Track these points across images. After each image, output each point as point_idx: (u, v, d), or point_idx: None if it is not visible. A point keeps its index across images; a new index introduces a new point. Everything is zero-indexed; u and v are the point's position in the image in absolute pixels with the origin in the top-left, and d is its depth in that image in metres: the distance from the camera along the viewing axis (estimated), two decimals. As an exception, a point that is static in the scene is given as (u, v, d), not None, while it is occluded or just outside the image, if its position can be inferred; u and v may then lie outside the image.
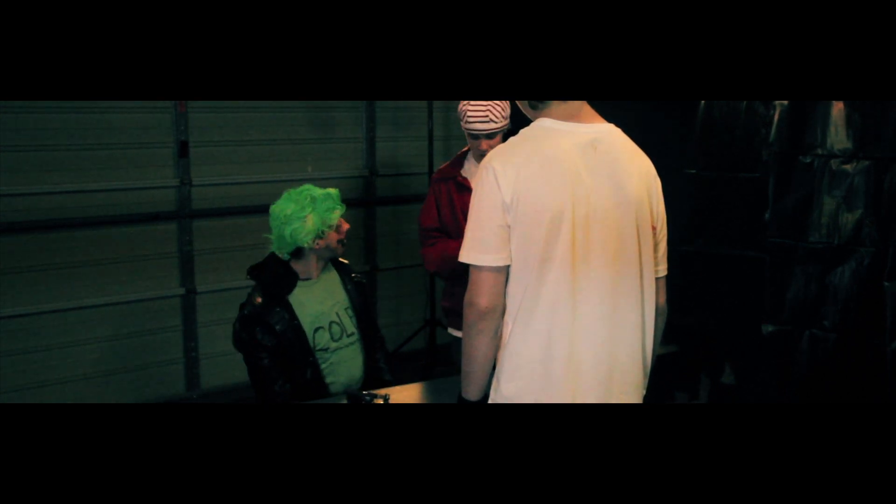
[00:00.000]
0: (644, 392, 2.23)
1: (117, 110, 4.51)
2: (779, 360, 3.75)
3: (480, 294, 2.10)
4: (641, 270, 2.15)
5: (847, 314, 3.55)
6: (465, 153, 3.56)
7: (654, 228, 2.20)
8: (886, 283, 3.36)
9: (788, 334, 3.71)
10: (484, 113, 3.23)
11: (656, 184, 2.24)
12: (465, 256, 2.12)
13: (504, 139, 3.43)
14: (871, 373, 3.44)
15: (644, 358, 2.20)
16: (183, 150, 4.73)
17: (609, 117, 2.23)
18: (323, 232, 3.10)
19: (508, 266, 2.10)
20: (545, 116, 2.16)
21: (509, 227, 2.07)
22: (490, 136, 3.28)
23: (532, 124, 2.19)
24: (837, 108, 3.52)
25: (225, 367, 4.98)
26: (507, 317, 2.14)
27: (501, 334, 2.15)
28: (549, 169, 2.07)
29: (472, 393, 2.22)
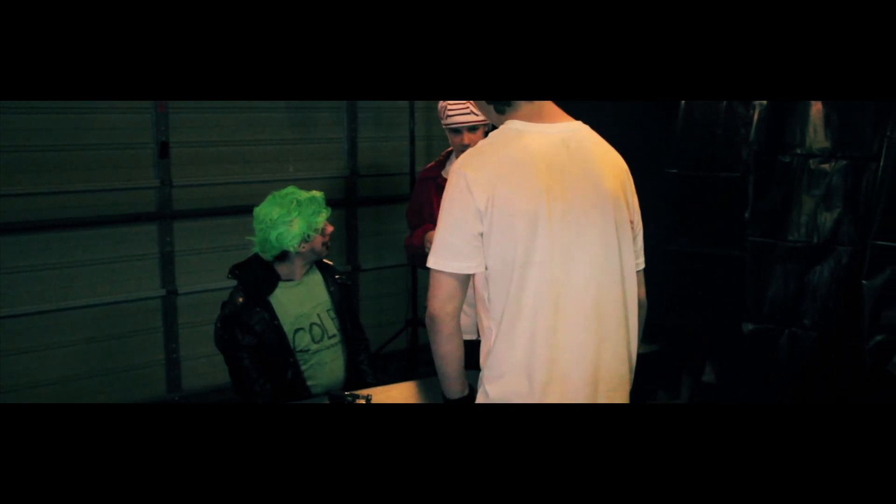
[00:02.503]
0: (630, 388, 2.24)
1: (97, 111, 4.48)
2: (759, 359, 3.78)
3: (438, 297, 2.12)
4: (622, 266, 2.14)
5: (826, 313, 3.58)
6: (450, 153, 3.60)
7: (631, 223, 2.20)
8: (864, 282, 3.39)
9: (769, 333, 3.73)
10: (464, 105, 3.34)
11: (629, 178, 2.23)
12: (432, 262, 2.11)
13: (486, 136, 3.50)
14: (850, 370, 3.47)
15: (629, 354, 2.20)
16: (163, 150, 4.70)
17: (590, 117, 2.23)
18: (309, 236, 3.09)
19: (472, 275, 2.11)
20: (513, 118, 2.15)
21: (482, 234, 2.05)
22: (472, 129, 3.37)
23: (500, 127, 2.18)
24: (816, 108, 3.55)
25: (206, 368, 4.97)
26: (489, 321, 2.14)
27: (481, 337, 2.18)
28: (523, 171, 2.05)
29: (450, 391, 2.24)
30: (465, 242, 2.06)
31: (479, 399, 2.17)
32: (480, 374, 2.18)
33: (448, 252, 2.09)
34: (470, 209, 2.04)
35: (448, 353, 2.18)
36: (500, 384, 2.11)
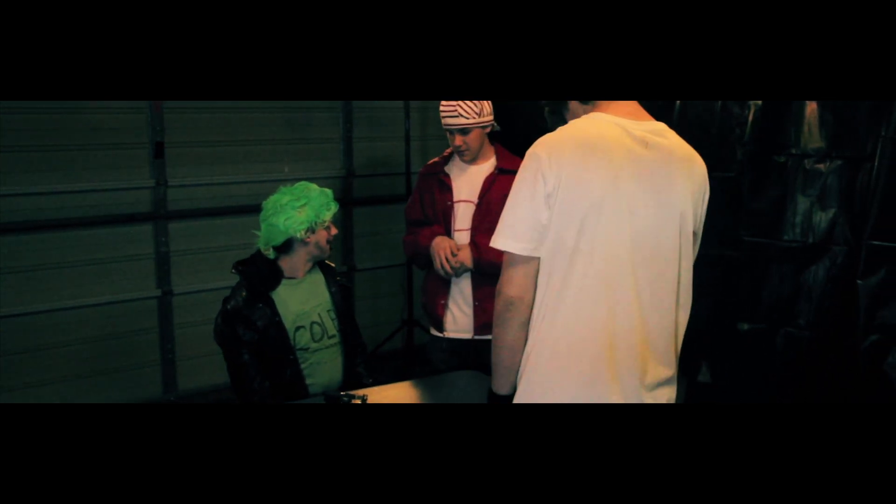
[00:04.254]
0: (673, 397, 2.18)
1: (91, 111, 4.47)
2: (755, 359, 3.78)
3: (509, 283, 2.07)
4: (679, 273, 2.10)
5: (821, 313, 3.58)
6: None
7: (693, 234, 2.15)
8: (860, 282, 3.39)
9: (764, 333, 3.74)
10: (453, 108, 3.38)
11: (706, 188, 2.17)
12: (496, 242, 2.08)
13: (491, 138, 3.51)
14: (846, 371, 3.47)
15: (672, 361, 2.15)
16: (158, 150, 4.69)
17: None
18: (315, 225, 3.12)
19: (539, 258, 2.05)
20: (598, 111, 2.11)
21: (548, 217, 2.01)
22: (463, 131, 3.39)
23: (583, 116, 2.14)
24: (811, 108, 3.55)
25: (202, 368, 4.96)
26: (534, 308, 2.09)
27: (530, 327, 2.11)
28: (594, 156, 2.00)
29: (499, 385, 2.17)
30: (530, 226, 2.03)
31: (518, 389, 2.12)
32: (521, 362, 2.12)
33: (513, 232, 2.05)
34: (539, 192, 2.01)
35: (515, 343, 2.11)
36: (540, 377, 2.07)
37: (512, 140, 3.63)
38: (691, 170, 2.12)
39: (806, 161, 3.58)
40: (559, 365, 2.05)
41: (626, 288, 2.03)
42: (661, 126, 2.14)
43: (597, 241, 2.00)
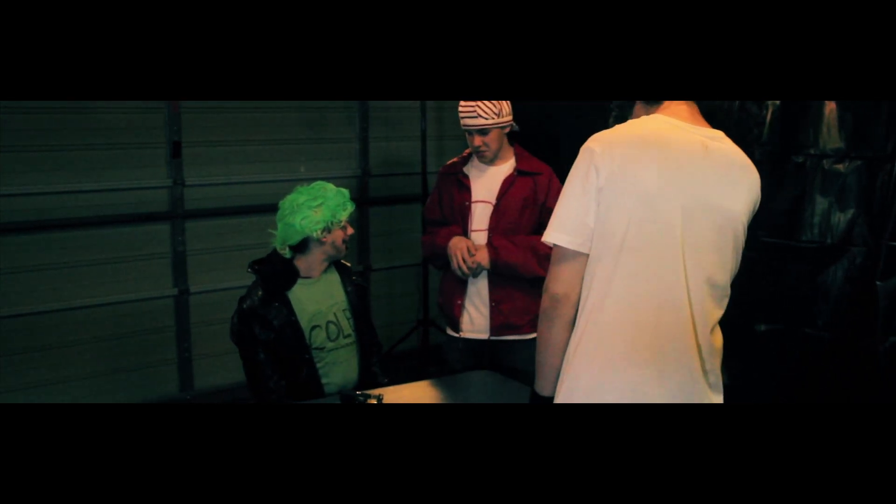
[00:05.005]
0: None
1: (110, 110, 4.50)
2: (772, 360, 3.76)
3: (556, 280, 2.04)
4: (728, 280, 2.07)
5: (839, 313, 3.56)
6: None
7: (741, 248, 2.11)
8: (878, 283, 3.37)
9: (781, 333, 3.72)
10: (472, 109, 3.36)
11: (757, 199, 2.12)
12: (547, 236, 2.04)
13: (510, 138, 3.50)
14: (864, 372, 3.45)
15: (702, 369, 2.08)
16: (176, 150, 4.72)
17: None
18: (332, 224, 3.13)
19: (587, 255, 2.01)
20: (659, 112, 2.08)
21: (597, 212, 1.98)
22: (482, 132, 3.37)
23: (643, 116, 2.10)
24: (830, 109, 3.53)
25: (218, 367, 4.98)
26: (580, 306, 2.04)
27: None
28: (648, 152, 1.96)
29: (542, 386, 2.13)
30: (580, 221, 1.99)
31: (559, 387, 2.07)
32: (564, 361, 2.08)
33: (563, 226, 2.01)
34: (590, 187, 1.97)
35: (561, 342, 2.06)
36: (581, 382, 2.01)
37: (532, 141, 3.63)
38: (749, 179, 2.08)
39: (825, 161, 3.57)
40: (604, 369, 2.00)
41: (678, 290, 1.98)
42: (719, 133, 2.10)
43: (646, 237, 1.95)
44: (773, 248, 3.71)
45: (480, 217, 3.49)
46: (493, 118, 3.35)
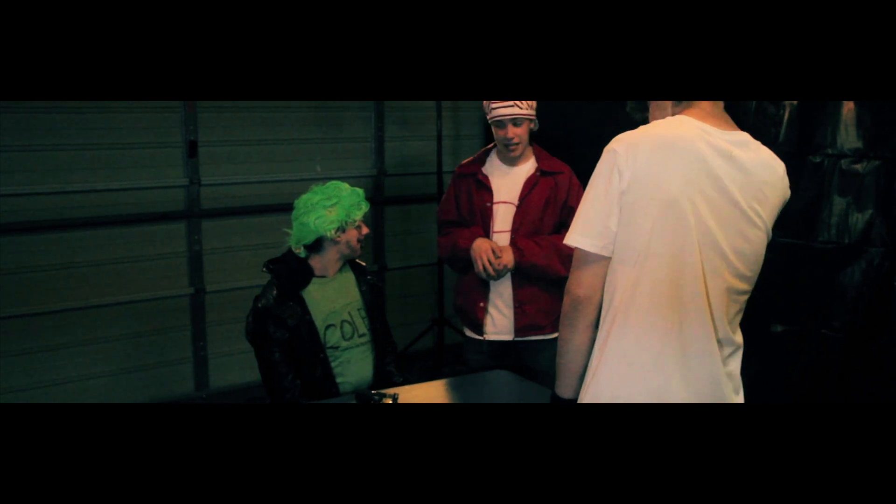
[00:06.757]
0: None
1: (126, 110, 4.52)
2: (788, 360, 3.75)
3: (578, 283, 2.02)
4: (748, 287, 2.06)
5: (856, 314, 3.54)
6: (490, 150, 3.58)
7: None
8: (896, 284, 3.36)
9: (797, 334, 3.70)
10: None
11: (787, 196, 2.11)
12: (569, 238, 2.02)
13: (531, 136, 3.46)
14: (881, 373, 3.43)
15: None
16: (192, 149, 4.73)
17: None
18: (346, 223, 3.13)
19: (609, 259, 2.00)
20: (684, 114, 2.04)
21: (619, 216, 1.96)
22: (515, 122, 3.34)
23: (668, 117, 2.07)
24: (847, 108, 3.51)
25: (234, 366, 5.01)
26: (602, 311, 2.03)
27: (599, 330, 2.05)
28: (673, 156, 1.93)
29: (562, 388, 2.11)
30: (603, 224, 1.97)
31: (582, 392, 2.06)
32: (588, 365, 2.07)
33: (585, 228, 2.00)
34: (613, 189, 1.95)
35: (582, 345, 2.05)
36: (609, 383, 2.00)
37: (547, 140, 3.62)
38: (774, 179, 2.06)
39: (842, 161, 3.55)
40: (630, 375, 1.98)
41: (700, 297, 1.96)
42: (746, 136, 2.07)
43: (669, 244, 1.94)
44: (790, 248, 3.69)
45: (503, 218, 3.45)
46: (527, 109, 3.32)
